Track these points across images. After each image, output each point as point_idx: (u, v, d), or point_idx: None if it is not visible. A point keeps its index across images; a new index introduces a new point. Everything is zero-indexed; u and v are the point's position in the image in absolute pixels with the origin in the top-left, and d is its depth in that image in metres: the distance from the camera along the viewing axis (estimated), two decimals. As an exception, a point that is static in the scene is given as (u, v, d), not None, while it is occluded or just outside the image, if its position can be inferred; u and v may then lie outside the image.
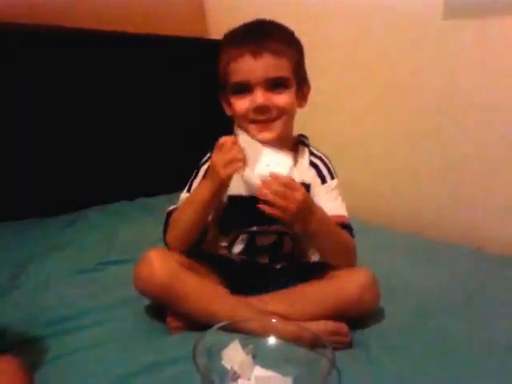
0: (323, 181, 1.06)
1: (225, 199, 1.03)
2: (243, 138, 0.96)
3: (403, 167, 1.72)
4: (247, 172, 0.92)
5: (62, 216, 1.63)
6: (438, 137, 1.61)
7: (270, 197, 0.87)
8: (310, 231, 0.95)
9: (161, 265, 0.93)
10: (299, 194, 0.89)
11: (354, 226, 1.05)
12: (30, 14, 1.63)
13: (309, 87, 1.06)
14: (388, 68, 1.70)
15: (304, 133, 1.12)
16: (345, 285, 0.95)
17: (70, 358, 0.87)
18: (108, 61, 1.77)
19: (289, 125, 1.03)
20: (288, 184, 0.89)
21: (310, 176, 1.06)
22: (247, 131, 0.99)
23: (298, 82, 1.01)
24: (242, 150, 0.92)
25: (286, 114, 0.99)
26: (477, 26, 1.46)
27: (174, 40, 1.94)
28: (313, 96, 1.07)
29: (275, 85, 0.97)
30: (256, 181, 0.90)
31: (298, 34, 1.04)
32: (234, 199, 1.02)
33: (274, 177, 0.89)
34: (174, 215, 1.02)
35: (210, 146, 1.00)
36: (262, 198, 0.88)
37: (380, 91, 1.74)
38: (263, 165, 0.91)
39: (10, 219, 1.54)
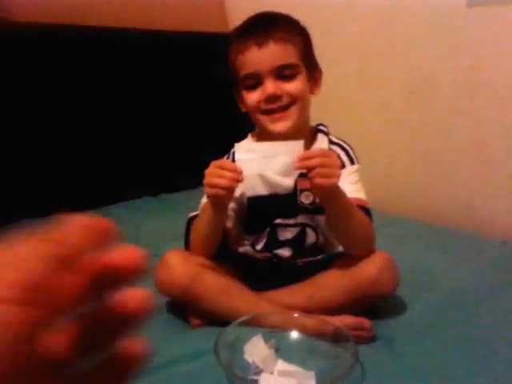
0: (342, 166, 1.01)
1: (244, 201, 1.03)
2: (242, 147, 0.93)
3: (423, 155, 1.70)
4: (265, 174, 0.90)
5: (85, 213, 1.64)
6: (462, 124, 1.58)
7: (313, 163, 0.85)
8: (336, 213, 0.93)
9: (181, 268, 0.94)
10: (337, 162, 0.89)
11: (375, 218, 1.02)
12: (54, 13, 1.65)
13: (320, 73, 1.04)
14: (412, 56, 1.67)
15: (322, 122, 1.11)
16: (362, 266, 0.95)
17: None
18: (130, 58, 1.79)
19: (303, 113, 1.01)
20: (325, 153, 0.89)
21: None
22: (261, 124, 0.99)
23: (307, 68, 1.00)
24: (235, 173, 0.88)
25: (298, 101, 0.97)
26: (501, 13, 1.42)
27: (194, 36, 1.95)
28: (331, 85, 1.06)
29: (284, 73, 0.96)
30: (276, 179, 0.90)
31: (316, 24, 1.03)
32: (253, 200, 1.01)
33: (309, 152, 0.89)
34: (194, 223, 1.02)
35: (231, 142, 0.99)
36: (302, 168, 0.87)
37: (402, 79, 1.71)
38: (274, 160, 0.89)
39: (30, 217, 1.52)
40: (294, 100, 0.96)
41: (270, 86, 0.94)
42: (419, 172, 1.72)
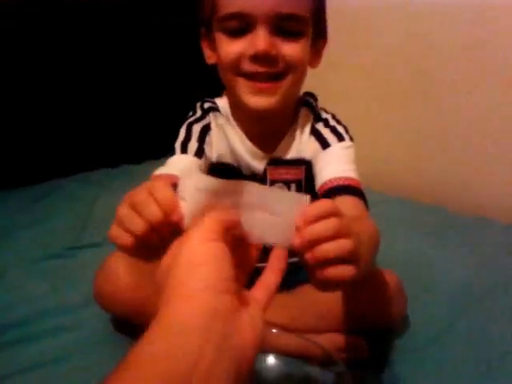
0: (325, 146, 0.77)
1: None
2: (200, 183, 0.45)
3: (427, 134, 1.51)
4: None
5: (34, 187, 1.43)
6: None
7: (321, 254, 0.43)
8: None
9: (127, 278, 0.73)
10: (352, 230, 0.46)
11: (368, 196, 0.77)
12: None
13: (325, 42, 0.78)
14: (420, 52, 1.46)
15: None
16: (369, 292, 0.73)
17: (19, 378, 0.70)
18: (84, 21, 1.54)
19: (296, 88, 0.75)
20: (333, 212, 0.45)
21: (309, 145, 0.79)
22: (235, 91, 0.71)
23: (315, 29, 0.73)
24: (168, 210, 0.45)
25: (295, 70, 0.70)
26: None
27: None
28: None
29: (287, 26, 0.68)
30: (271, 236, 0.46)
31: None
32: None
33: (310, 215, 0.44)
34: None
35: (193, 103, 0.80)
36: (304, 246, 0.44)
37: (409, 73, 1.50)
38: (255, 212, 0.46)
39: None
40: (289, 68, 0.69)
41: (263, 40, 0.66)
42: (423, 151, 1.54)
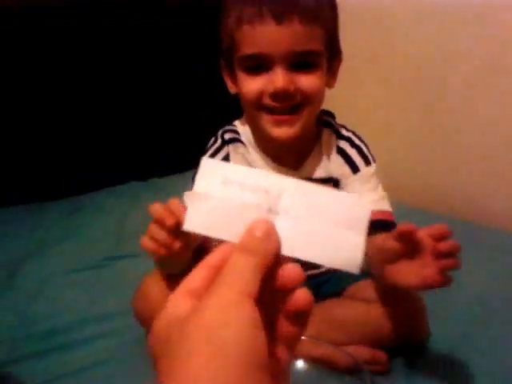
0: (355, 169, 0.83)
1: None
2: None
3: (443, 144, 1.53)
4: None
5: (66, 200, 1.50)
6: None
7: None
8: None
9: (161, 298, 0.72)
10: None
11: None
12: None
13: (340, 60, 0.82)
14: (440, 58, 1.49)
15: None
16: (391, 313, 0.76)
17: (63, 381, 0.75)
18: (111, 32, 1.59)
19: (315, 113, 0.80)
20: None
21: (338, 166, 0.83)
22: (257, 122, 0.76)
23: (329, 56, 0.77)
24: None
25: (312, 101, 0.75)
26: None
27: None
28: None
29: (303, 61, 0.72)
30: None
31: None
32: None
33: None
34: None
35: (221, 122, 0.85)
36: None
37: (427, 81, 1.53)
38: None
39: (7, 205, 1.42)
40: (307, 99, 0.74)
41: (282, 79, 0.70)
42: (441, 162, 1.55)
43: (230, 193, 0.33)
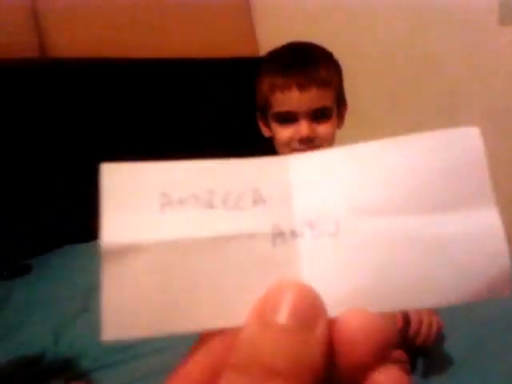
0: None
1: None
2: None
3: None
4: None
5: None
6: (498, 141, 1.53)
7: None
8: None
9: None
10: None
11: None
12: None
13: (346, 107, 1.08)
14: (442, 73, 1.65)
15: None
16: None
17: None
18: (162, 88, 1.74)
19: None
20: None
21: None
22: None
23: (338, 106, 1.03)
24: None
25: (327, 142, 1.00)
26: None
27: (225, 62, 1.89)
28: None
29: (319, 114, 0.99)
30: None
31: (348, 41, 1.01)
32: None
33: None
34: None
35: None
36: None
37: (432, 95, 1.69)
38: None
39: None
40: (324, 142, 0.99)
41: (306, 129, 0.97)
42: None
43: (185, 224, 0.18)
